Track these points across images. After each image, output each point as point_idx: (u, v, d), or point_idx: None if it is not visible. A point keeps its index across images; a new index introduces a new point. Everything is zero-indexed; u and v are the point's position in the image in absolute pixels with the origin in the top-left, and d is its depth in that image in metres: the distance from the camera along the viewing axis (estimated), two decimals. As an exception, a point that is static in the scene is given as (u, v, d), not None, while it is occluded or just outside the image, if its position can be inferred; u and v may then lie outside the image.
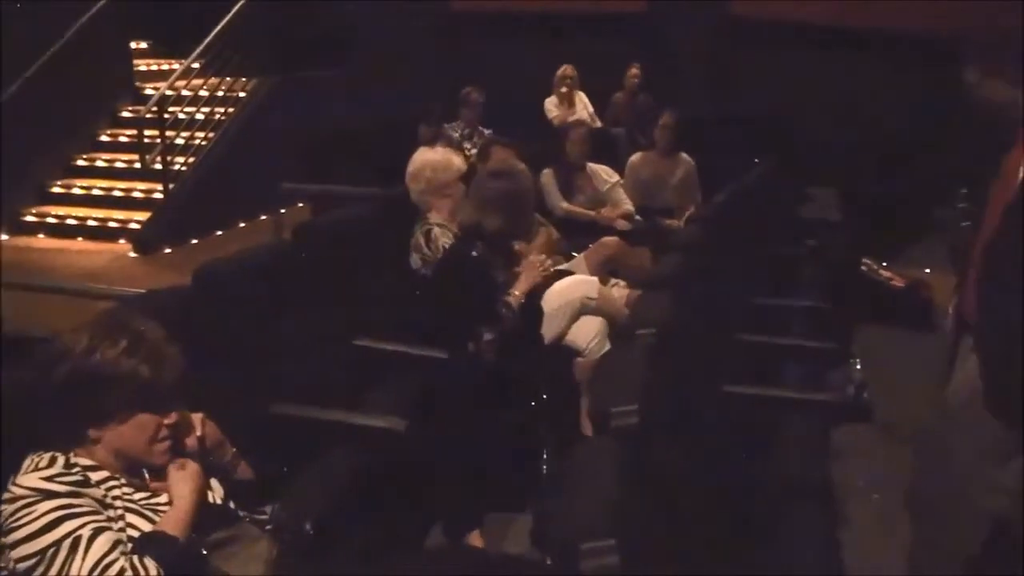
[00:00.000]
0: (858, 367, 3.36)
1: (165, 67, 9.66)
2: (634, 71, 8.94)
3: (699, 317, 3.37)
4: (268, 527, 2.19)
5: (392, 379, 3.29)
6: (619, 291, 4.42)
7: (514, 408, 3.36)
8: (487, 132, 7.32)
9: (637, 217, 6.06)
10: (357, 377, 3.30)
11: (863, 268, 6.16)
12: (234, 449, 2.22)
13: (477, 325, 3.32)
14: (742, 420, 3.02)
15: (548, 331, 3.87)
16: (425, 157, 4.11)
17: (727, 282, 4.29)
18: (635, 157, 6.60)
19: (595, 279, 4.22)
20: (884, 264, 6.40)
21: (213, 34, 8.54)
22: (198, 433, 2.12)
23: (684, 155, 6.52)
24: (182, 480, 2.01)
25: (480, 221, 3.51)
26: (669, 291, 3.37)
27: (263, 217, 8.36)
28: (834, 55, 8.37)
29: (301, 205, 7.76)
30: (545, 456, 3.24)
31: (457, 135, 7.50)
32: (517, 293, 3.49)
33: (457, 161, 4.03)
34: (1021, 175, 2.82)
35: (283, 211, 7.34)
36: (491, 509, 3.31)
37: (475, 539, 3.18)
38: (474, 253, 3.47)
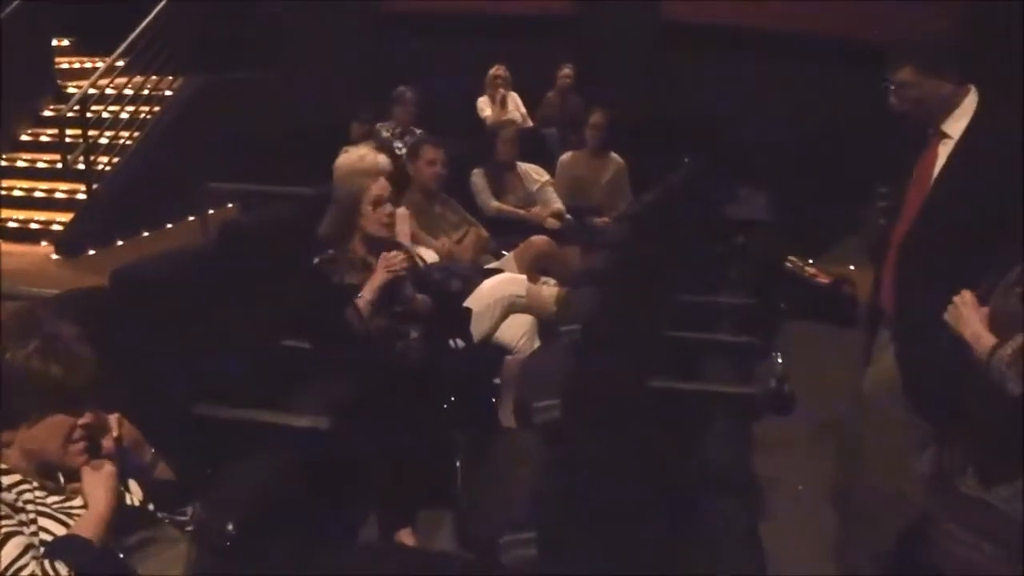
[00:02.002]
0: (779, 360, 3.42)
1: (88, 65, 9.45)
2: (566, 71, 8.97)
3: (624, 313, 3.40)
4: (189, 528, 2.16)
5: (318, 379, 3.26)
6: (549, 289, 4.44)
7: (437, 406, 3.36)
8: (419, 132, 7.29)
9: (567, 216, 6.09)
10: (283, 377, 3.26)
11: (788, 265, 6.28)
12: (152, 450, 2.19)
13: (331, 332, 3.30)
14: (667, 414, 3.05)
15: (477, 329, 3.88)
16: (348, 156, 4.08)
17: (654, 279, 4.33)
18: (565, 156, 6.64)
19: (524, 277, 4.24)
20: (810, 261, 6.53)
21: (137, 31, 8.37)
22: (114, 434, 2.08)
23: (614, 155, 6.57)
24: (97, 482, 1.97)
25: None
26: (595, 288, 3.40)
27: (191, 218, 8.22)
28: (762, 57, 8.51)
29: (231, 206, 7.65)
30: (462, 453, 3.24)
31: (388, 134, 7.46)
32: (366, 295, 3.46)
33: (381, 160, 4.01)
34: (936, 172, 2.90)
35: (211, 212, 7.22)
36: (422, 507, 3.30)
37: (405, 536, 3.17)
38: (315, 260, 3.47)
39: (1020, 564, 1.77)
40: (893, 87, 2.86)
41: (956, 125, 2.86)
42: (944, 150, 2.89)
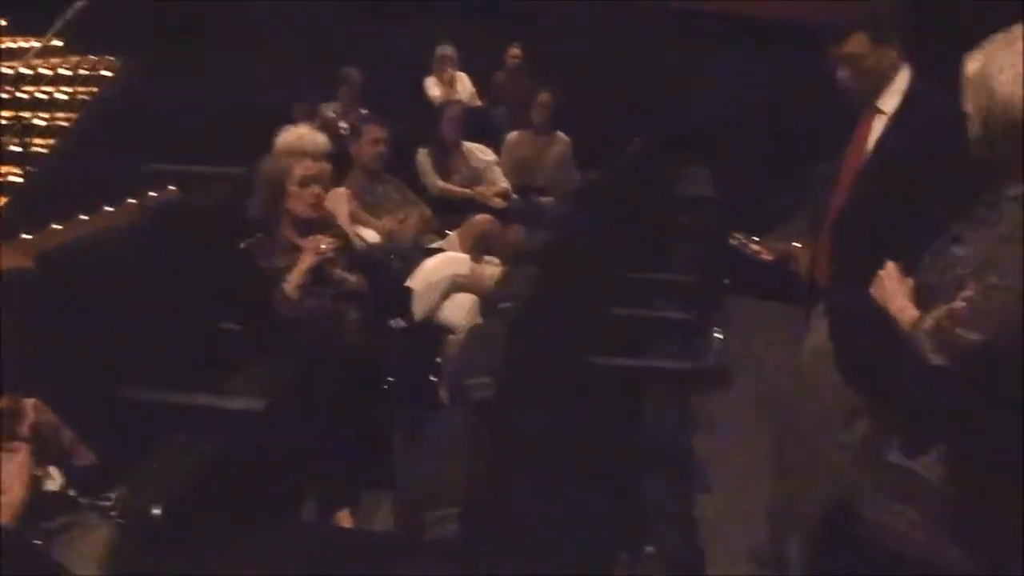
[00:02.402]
0: (719, 336, 3.44)
1: (24, 45, 9.20)
2: (514, 51, 8.95)
3: (564, 291, 3.39)
4: (112, 513, 2.11)
5: (254, 361, 3.21)
6: (491, 269, 4.43)
7: (376, 387, 3.33)
8: (364, 112, 7.22)
9: (513, 195, 6.07)
10: (217, 360, 3.21)
11: (733, 242, 6.30)
12: (72, 434, 2.13)
13: (260, 317, 3.26)
14: (607, 390, 3.05)
15: (418, 308, 3.85)
16: (288, 136, 4.02)
17: (597, 257, 4.33)
18: (511, 136, 6.61)
19: (466, 256, 4.22)
20: (755, 238, 6.56)
21: (73, 10, 8.17)
22: (31, 419, 2.03)
23: (561, 134, 6.55)
24: (11, 467, 1.91)
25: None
26: (535, 265, 3.38)
27: (130, 200, 8.05)
28: (708, 37, 8.54)
29: (172, 188, 7.50)
30: (400, 434, 3.21)
31: (333, 114, 7.38)
32: (292, 280, 3.39)
33: (320, 139, 3.95)
34: (869, 148, 2.93)
35: (153, 194, 7.08)
36: (361, 488, 3.28)
37: (343, 518, 3.14)
38: (241, 245, 3.41)
39: (942, 531, 1.79)
40: (842, 59, 2.87)
41: (890, 101, 2.90)
42: (878, 125, 2.92)
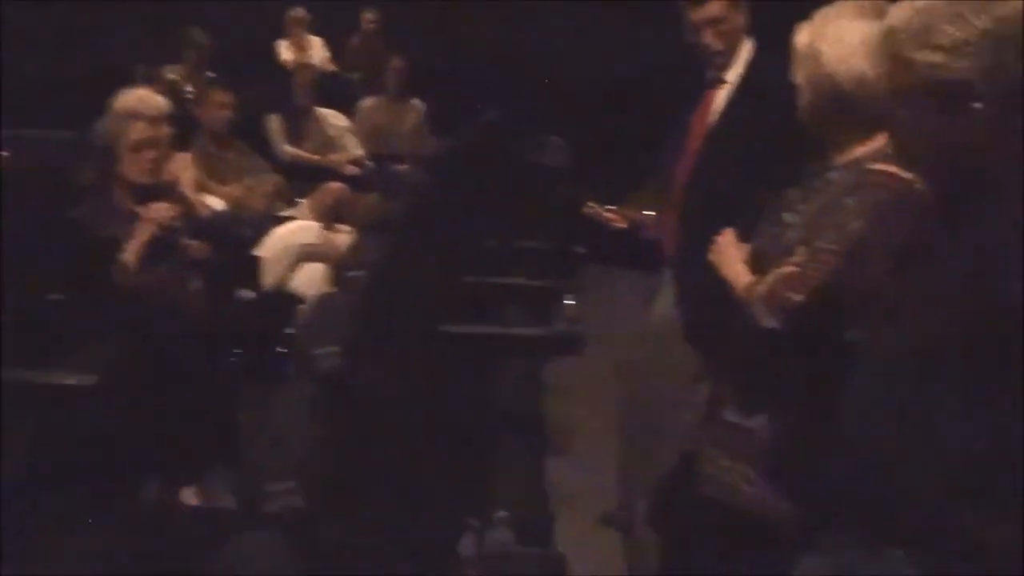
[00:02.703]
0: (571, 302, 3.48)
1: None
2: (369, 16, 8.78)
3: (415, 259, 3.37)
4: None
5: (90, 335, 3.07)
6: (343, 237, 4.36)
7: (221, 359, 3.22)
8: (211, 76, 6.95)
9: (367, 162, 5.98)
10: (50, 335, 3.05)
11: (587, 210, 6.39)
12: None
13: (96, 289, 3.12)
14: (459, 358, 3.05)
15: (267, 277, 3.75)
16: (126, 99, 3.82)
17: (453, 225, 4.32)
18: (365, 102, 6.51)
19: (316, 224, 4.14)
20: (609, 207, 6.66)
21: None
22: None
23: (415, 100, 6.50)
24: None
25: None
26: (388, 234, 3.35)
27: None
28: (560, 3, 8.59)
29: (3, 153, 7.06)
30: (245, 407, 3.13)
31: (176, 77, 7.08)
32: (130, 250, 3.21)
33: (159, 101, 3.77)
34: (715, 113, 3.00)
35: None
36: (207, 464, 3.18)
37: (188, 495, 3.04)
38: (75, 212, 3.27)
39: (774, 485, 1.86)
40: (702, 23, 2.91)
41: (733, 72, 2.96)
42: (722, 95, 2.99)
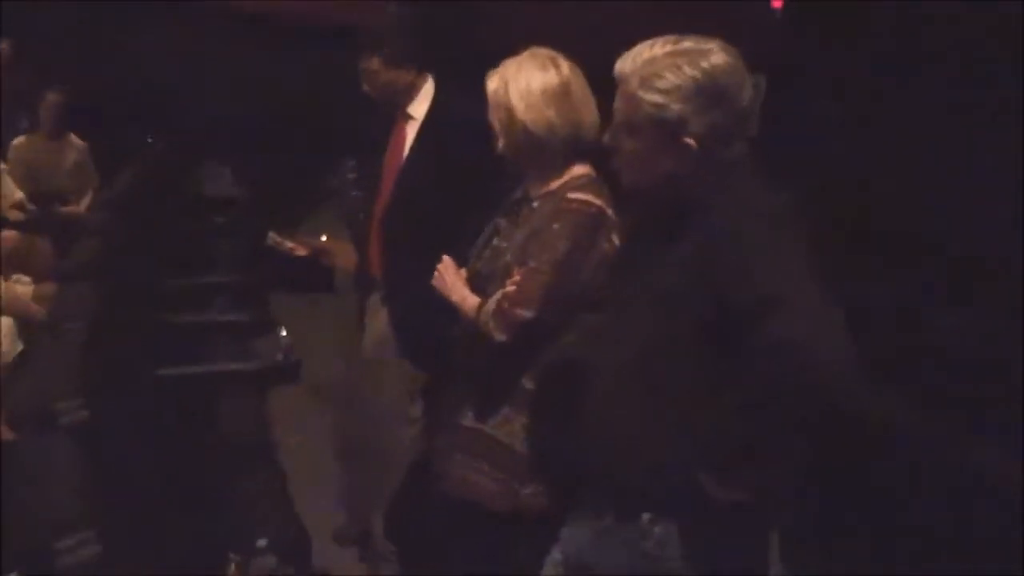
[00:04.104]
0: (284, 333, 3.59)
1: None
2: (3, 47, 8.15)
3: (121, 304, 3.33)
4: None
5: None
6: (23, 288, 4.12)
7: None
8: None
9: (30, 206, 5.63)
10: None
11: (270, 241, 6.45)
12: None
13: None
14: (182, 399, 3.08)
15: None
16: None
17: (143, 266, 4.26)
18: (18, 141, 6.09)
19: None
20: (289, 235, 6.74)
21: None
22: None
23: (74, 136, 6.19)
24: None
25: None
26: (88, 281, 3.28)
27: None
28: (228, 33, 8.49)
29: None
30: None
31: None
32: None
33: None
34: (406, 150, 3.25)
35: None
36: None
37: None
38: None
39: (513, 480, 2.14)
40: (363, 73, 3.15)
41: (420, 107, 3.23)
42: (412, 129, 3.25)
